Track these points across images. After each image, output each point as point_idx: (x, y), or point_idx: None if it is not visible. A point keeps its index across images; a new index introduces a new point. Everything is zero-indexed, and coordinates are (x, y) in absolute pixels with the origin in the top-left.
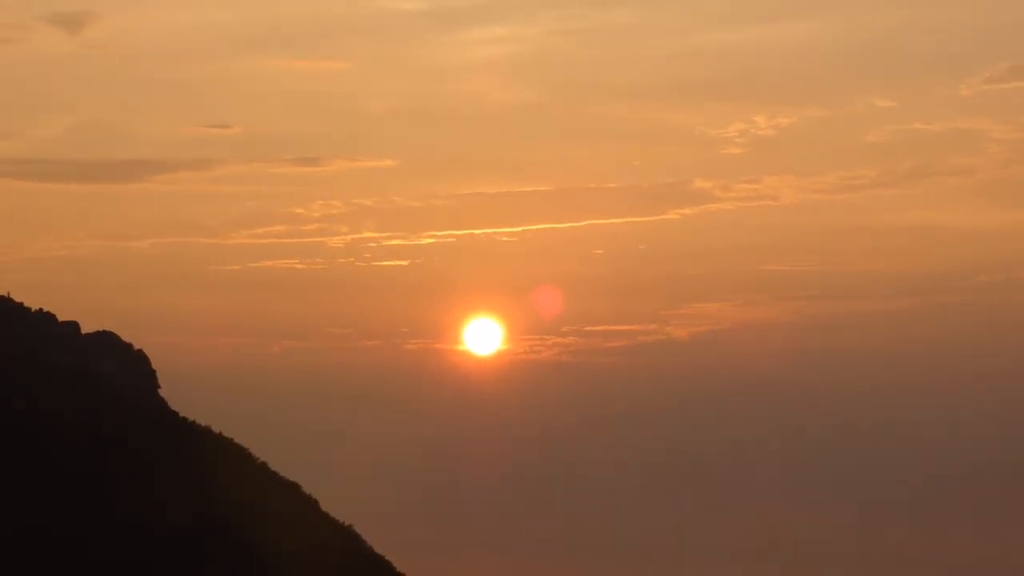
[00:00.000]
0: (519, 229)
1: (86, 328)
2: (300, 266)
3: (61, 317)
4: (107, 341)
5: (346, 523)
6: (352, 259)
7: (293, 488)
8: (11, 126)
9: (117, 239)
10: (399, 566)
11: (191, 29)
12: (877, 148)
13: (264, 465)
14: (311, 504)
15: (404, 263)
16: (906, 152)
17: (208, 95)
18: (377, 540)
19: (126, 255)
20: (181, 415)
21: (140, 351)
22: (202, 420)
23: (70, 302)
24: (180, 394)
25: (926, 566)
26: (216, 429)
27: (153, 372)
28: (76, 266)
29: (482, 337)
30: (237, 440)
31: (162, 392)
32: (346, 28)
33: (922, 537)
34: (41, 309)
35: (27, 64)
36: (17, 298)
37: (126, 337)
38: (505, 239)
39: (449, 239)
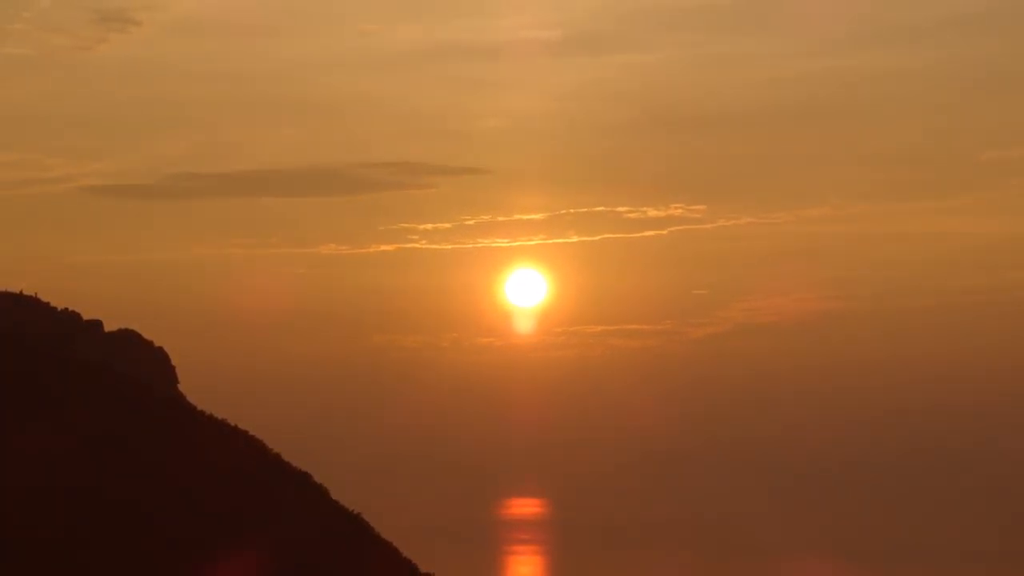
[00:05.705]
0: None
1: (109, 327)
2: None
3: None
4: (129, 338)
5: (354, 511)
6: (377, 266)
7: (304, 478)
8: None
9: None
10: (405, 554)
11: (302, 53)
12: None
13: (278, 456)
14: (321, 493)
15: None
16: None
17: (320, 116)
18: (384, 527)
19: (202, 262)
20: (199, 408)
21: (160, 348)
22: (220, 414)
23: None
24: (214, 393)
25: (923, 563)
26: (232, 422)
27: (173, 368)
28: (141, 273)
29: (524, 289)
30: (252, 432)
31: (181, 387)
32: (468, 52)
33: (924, 530)
34: (67, 308)
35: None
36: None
37: (147, 335)
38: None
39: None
